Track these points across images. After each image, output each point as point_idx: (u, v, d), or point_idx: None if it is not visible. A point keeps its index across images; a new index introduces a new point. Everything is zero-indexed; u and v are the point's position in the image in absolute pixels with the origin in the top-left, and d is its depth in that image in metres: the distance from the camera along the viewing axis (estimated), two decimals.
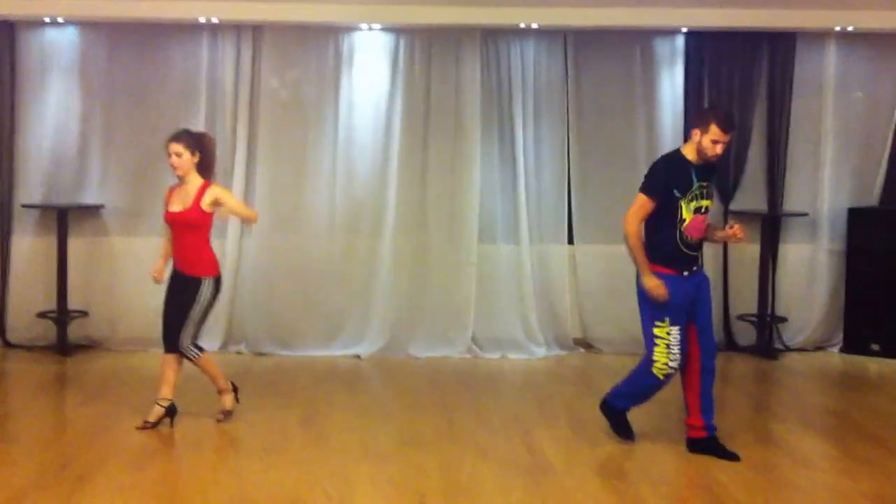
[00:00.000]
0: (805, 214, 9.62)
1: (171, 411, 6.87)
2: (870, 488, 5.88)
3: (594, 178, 9.61)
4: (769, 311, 9.60)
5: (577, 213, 9.60)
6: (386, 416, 7.35)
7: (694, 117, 6.87)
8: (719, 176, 9.48)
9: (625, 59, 9.59)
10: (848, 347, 9.69)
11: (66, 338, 9.19)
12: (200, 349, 6.94)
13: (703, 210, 6.37)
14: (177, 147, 6.70)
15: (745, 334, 9.70)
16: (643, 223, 6.41)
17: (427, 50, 9.43)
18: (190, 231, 6.78)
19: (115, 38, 9.34)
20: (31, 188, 9.39)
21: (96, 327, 9.44)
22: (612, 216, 9.44)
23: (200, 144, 6.84)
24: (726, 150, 9.39)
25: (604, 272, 9.60)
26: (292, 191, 9.45)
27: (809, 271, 9.79)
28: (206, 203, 6.74)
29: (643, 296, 6.40)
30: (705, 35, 9.44)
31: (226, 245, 9.30)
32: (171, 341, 6.86)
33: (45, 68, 9.38)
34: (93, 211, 9.38)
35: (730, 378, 8.91)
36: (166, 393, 6.86)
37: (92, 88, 9.39)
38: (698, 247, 6.46)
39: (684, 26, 9.29)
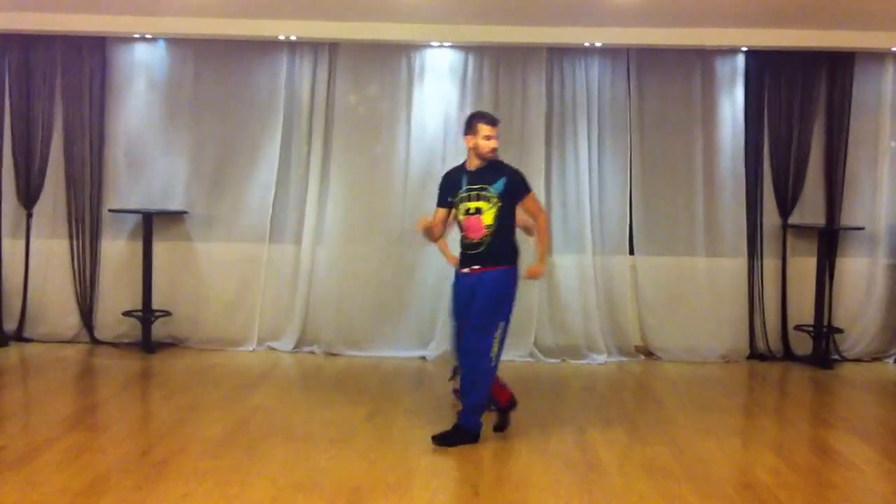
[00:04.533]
0: (862, 228, 9.72)
1: None
2: None
3: (655, 192, 9.80)
4: (826, 322, 9.72)
5: (638, 226, 9.80)
6: (447, 414, 7.50)
7: (464, 129, 6.83)
8: (777, 190, 9.71)
9: (686, 78, 9.77)
10: None
11: (150, 336, 9.57)
12: None
13: (471, 212, 6.70)
14: None
15: (802, 344, 9.83)
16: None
17: (495, 67, 9.69)
18: None
19: (200, 54, 9.76)
20: (119, 195, 9.80)
21: (179, 326, 9.83)
22: (671, 229, 9.75)
23: None
24: (785, 166, 9.58)
25: (662, 282, 9.85)
26: (364, 201, 9.75)
27: (866, 284, 9.89)
28: None
29: None
30: (765, 54, 9.59)
31: (300, 252, 9.74)
32: None
33: (134, 81, 9.82)
34: (177, 217, 9.78)
35: (785, 387, 9.13)
36: None
37: (177, 101, 9.81)
38: (477, 246, 6.68)
39: (744, 46, 9.44)
